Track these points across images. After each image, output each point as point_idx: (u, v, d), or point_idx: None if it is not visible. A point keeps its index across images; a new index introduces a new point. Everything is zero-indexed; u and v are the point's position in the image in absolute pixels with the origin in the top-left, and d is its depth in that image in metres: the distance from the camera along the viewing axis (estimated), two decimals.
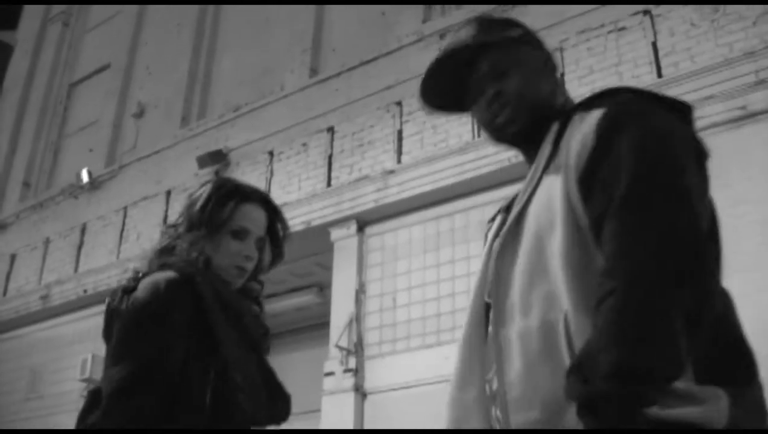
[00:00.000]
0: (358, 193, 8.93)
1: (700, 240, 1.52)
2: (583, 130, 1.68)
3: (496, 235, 1.89)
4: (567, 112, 1.82)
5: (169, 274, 2.29)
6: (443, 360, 7.45)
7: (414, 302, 8.20)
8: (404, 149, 8.90)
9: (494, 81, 1.92)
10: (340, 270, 8.85)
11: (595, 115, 1.68)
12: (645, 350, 1.38)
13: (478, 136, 8.26)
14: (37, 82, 15.41)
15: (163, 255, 2.44)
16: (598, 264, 1.55)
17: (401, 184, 8.62)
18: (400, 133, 9.04)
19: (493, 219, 2.05)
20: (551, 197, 1.68)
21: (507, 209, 1.95)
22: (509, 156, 7.68)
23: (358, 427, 7.99)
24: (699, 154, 1.73)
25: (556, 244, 1.63)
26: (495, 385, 1.72)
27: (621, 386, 1.36)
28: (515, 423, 1.63)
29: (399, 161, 8.85)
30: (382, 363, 8.18)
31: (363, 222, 8.92)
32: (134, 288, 2.29)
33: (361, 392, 8.15)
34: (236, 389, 2.22)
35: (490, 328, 1.77)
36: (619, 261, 1.48)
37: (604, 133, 1.63)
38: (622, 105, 1.70)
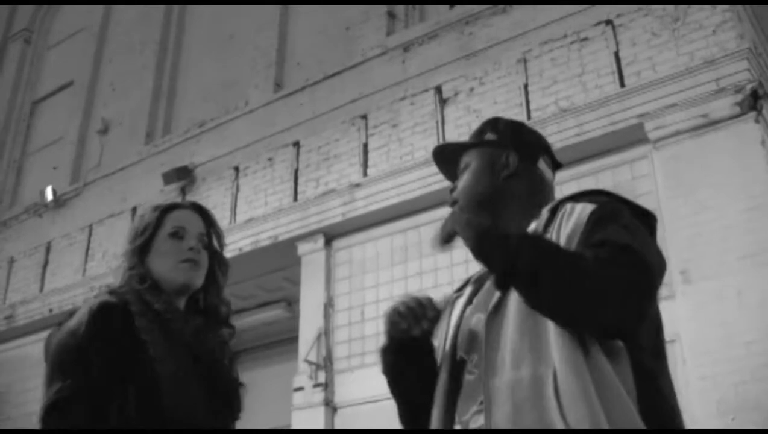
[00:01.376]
0: (325, 206, 8.92)
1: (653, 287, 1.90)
2: (574, 219, 1.96)
3: (468, 302, 2.19)
4: (555, 203, 2.09)
5: (102, 297, 2.37)
6: None
7: (383, 315, 8.16)
8: (370, 162, 8.90)
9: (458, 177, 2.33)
10: (308, 284, 8.83)
11: (585, 208, 1.97)
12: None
13: None
14: None
15: (110, 286, 2.54)
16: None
17: (367, 198, 8.62)
18: (365, 146, 9.04)
19: (459, 289, 2.34)
20: None
21: (477, 281, 2.25)
22: None
23: None
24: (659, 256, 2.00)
25: None
26: (474, 425, 1.95)
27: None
28: None
29: (365, 174, 8.85)
30: (351, 377, 8.16)
31: (330, 236, 8.91)
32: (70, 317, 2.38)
33: (331, 406, 8.12)
34: (163, 386, 2.26)
35: (468, 377, 2.03)
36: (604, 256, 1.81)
37: (595, 226, 1.91)
38: (608, 205, 1.99)
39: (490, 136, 2.30)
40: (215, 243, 2.67)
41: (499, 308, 1.98)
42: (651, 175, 7.05)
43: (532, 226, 2.09)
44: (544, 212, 2.07)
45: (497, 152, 2.26)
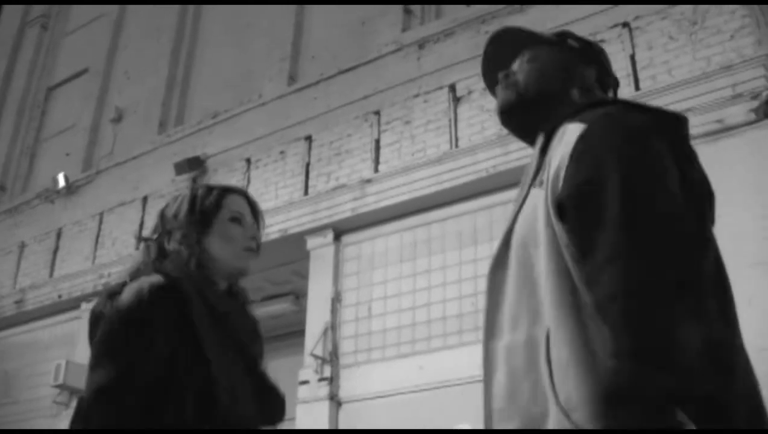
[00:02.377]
0: (335, 201, 8.92)
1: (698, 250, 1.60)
2: (561, 147, 1.71)
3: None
4: (555, 123, 1.86)
5: (154, 278, 2.26)
6: (418, 370, 7.45)
7: (390, 311, 8.19)
8: (382, 158, 8.89)
9: (517, 67, 2.08)
10: (316, 278, 8.83)
11: (574, 131, 1.70)
12: (667, 377, 1.38)
13: (456, 146, 8.27)
14: (15, 85, 15.29)
15: (155, 262, 2.40)
16: (576, 282, 1.59)
17: (378, 193, 8.61)
18: (377, 142, 9.03)
19: None
20: (536, 213, 1.72)
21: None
22: (487, 166, 7.69)
23: None
24: (687, 156, 1.75)
25: (542, 262, 1.67)
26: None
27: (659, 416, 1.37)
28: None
29: (376, 170, 8.84)
30: (357, 372, 8.16)
31: (339, 231, 8.90)
32: (119, 292, 2.25)
33: (335, 401, 8.12)
34: (220, 391, 2.18)
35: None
36: (617, 270, 1.49)
37: (582, 155, 1.65)
38: (600, 120, 1.71)
39: (573, 43, 2.14)
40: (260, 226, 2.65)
41: (501, 259, 1.81)
42: None
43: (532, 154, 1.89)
44: (540, 135, 1.88)
45: (574, 61, 2.10)
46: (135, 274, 2.35)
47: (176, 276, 2.30)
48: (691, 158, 1.77)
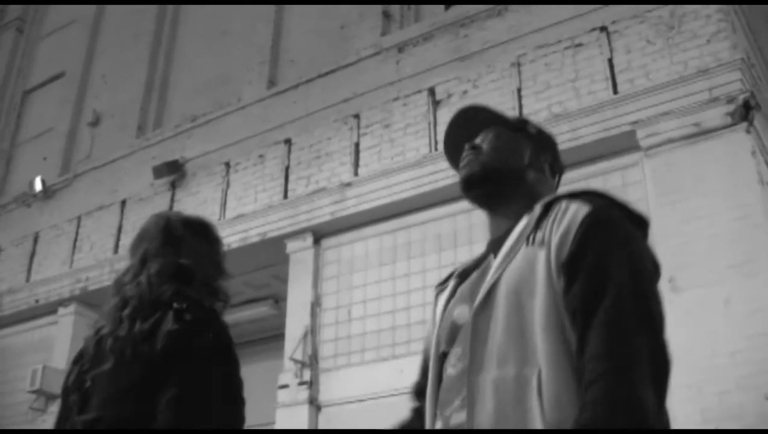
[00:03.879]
0: (315, 205, 8.91)
1: (668, 352, 1.83)
2: (568, 219, 1.95)
3: (451, 296, 2.21)
4: (550, 199, 2.08)
5: (212, 309, 2.58)
6: (398, 374, 7.45)
7: (369, 315, 8.20)
8: (361, 162, 8.90)
9: (481, 140, 2.30)
10: (296, 282, 8.82)
11: (580, 209, 1.95)
12: (631, 419, 1.66)
13: (435, 149, 8.29)
14: None
15: (177, 281, 2.59)
16: (569, 333, 1.84)
17: (358, 197, 8.61)
18: (357, 145, 9.03)
19: (443, 283, 2.35)
20: (533, 267, 1.94)
21: (461, 275, 2.26)
22: None
23: None
24: (654, 263, 2.02)
25: (537, 310, 1.89)
26: (455, 421, 1.96)
27: None
28: None
29: (356, 174, 8.85)
30: (336, 376, 8.16)
31: (319, 234, 8.90)
32: (183, 310, 2.48)
33: (315, 405, 8.12)
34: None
35: (450, 371, 2.04)
36: (611, 351, 1.74)
37: (589, 232, 1.91)
38: (603, 209, 1.97)
39: (532, 130, 2.34)
40: None
41: (487, 301, 1.99)
42: (642, 182, 7.06)
43: (524, 221, 2.08)
44: (538, 207, 2.06)
45: (534, 147, 2.30)
46: (157, 289, 2.58)
47: (214, 307, 2.64)
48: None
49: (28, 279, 11.69)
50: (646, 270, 1.92)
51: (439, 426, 2.03)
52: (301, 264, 8.85)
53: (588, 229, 1.91)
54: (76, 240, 11.41)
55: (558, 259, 1.90)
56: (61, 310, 10.68)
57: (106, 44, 13.58)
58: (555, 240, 1.93)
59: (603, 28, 7.78)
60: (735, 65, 6.83)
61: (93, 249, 11.03)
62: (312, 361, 8.26)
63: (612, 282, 1.81)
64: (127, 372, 2.42)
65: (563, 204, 2.00)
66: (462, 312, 2.09)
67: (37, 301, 11.21)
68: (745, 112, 6.65)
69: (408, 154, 8.53)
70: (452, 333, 2.09)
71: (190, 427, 2.28)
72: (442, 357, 2.12)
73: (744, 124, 6.64)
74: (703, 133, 6.77)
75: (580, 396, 1.73)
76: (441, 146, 8.28)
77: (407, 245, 8.27)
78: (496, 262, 2.05)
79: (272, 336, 9.64)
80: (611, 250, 1.87)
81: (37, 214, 12.36)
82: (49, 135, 13.49)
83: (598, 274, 1.83)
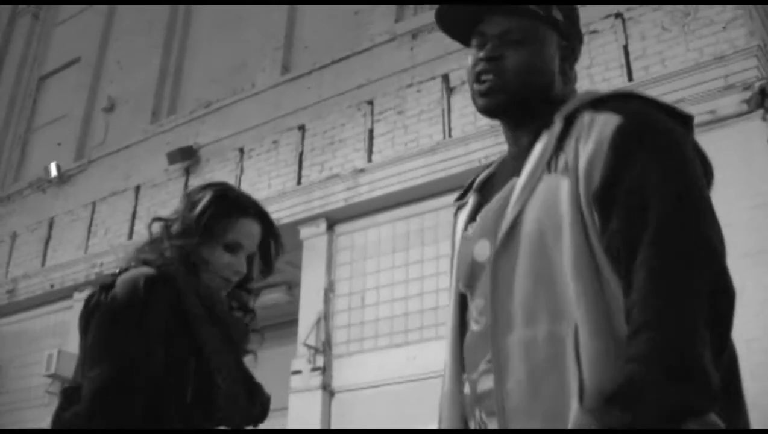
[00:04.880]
0: (328, 191, 8.92)
1: (729, 282, 1.54)
2: (595, 137, 1.63)
3: (471, 219, 1.88)
4: (571, 109, 1.74)
5: (148, 271, 2.24)
6: (410, 360, 7.47)
7: (382, 301, 8.20)
8: (375, 148, 8.89)
9: (500, 43, 1.84)
10: (309, 268, 8.83)
11: (608, 122, 1.64)
12: (688, 388, 1.39)
13: (449, 136, 8.28)
14: (6, 74, 15.24)
15: (145, 252, 2.38)
16: (608, 277, 1.56)
17: (371, 183, 8.61)
18: (371, 132, 9.03)
19: (461, 197, 2.03)
20: (556, 200, 1.64)
21: (481, 189, 1.94)
22: (479, 156, 7.69)
23: (326, 426, 7.97)
24: (703, 163, 1.76)
25: (566, 254, 1.60)
26: (483, 387, 1.70)
27: (670, 423, 1.38)
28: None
29: (369, 160, 8.84)
30: (349, 362, 8.17)
31: (332, 220, 8.90)
32: (112, 284, 2.22)
33: (328, 390, 8.13)
34: (217, 390, 2.19)
35: (474, 327, 1.76)
36: (657, 291, 1.47)
37: (623, 150, 1.60)
38: (637, 117, 1.65)
39: (558, 15, 1.85)
40: (272, 248, 2.68)
41: (509, 240, 1.69)
42: None
43: (543, 139, 1.75)
44: (558, 121, 1.73)
45: (562, 46, 1.87)
46: (127, 263, 2.35)
47: (170, 270, 2.28)
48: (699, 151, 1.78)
49: (43, 264, 11.76)
50: (695, 185, 1.63)
51: (466, 390, 1.76)
52: (315, 251, 8.86)
53: (621, 147, 1.60)
54: (90, 225, 11.46)
55: (588, 190, 1.60)
56: (77, 295, 10.71)
57: (120, 30, 13.59)
58: (582, 166, 1.62)
59: (618, 15, 7.74)
60: (751, 52, 6.79)
61: (107, 235, 11.07)
62: (325, 347, 8.28)
63: (655, 212, 1.52)
64: None
65: (586, 116, 1.69)
66: (483, 249, 1.77)
67: (52, 286, 11.27)
68: (760, 100, 6.61)
69: (422, 140, 8.52)
70: (472, 273, 1.79)
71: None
72: (462, 300, 1.83)
73: (760, 112, 6.60)
74: (719, 121, 6.73)
75: (619, 351, 1.47)
76: (455, 133, 8.29)
77: (420, 231, 8.26)
78: (516, 192, 1.72)
79: (285, 322, 9.65)
80: (651, 169, 1.56)
81: (52, 199, 12.41)
82: (64, 121, 13.54)
83: (640, 203, 1.54)
